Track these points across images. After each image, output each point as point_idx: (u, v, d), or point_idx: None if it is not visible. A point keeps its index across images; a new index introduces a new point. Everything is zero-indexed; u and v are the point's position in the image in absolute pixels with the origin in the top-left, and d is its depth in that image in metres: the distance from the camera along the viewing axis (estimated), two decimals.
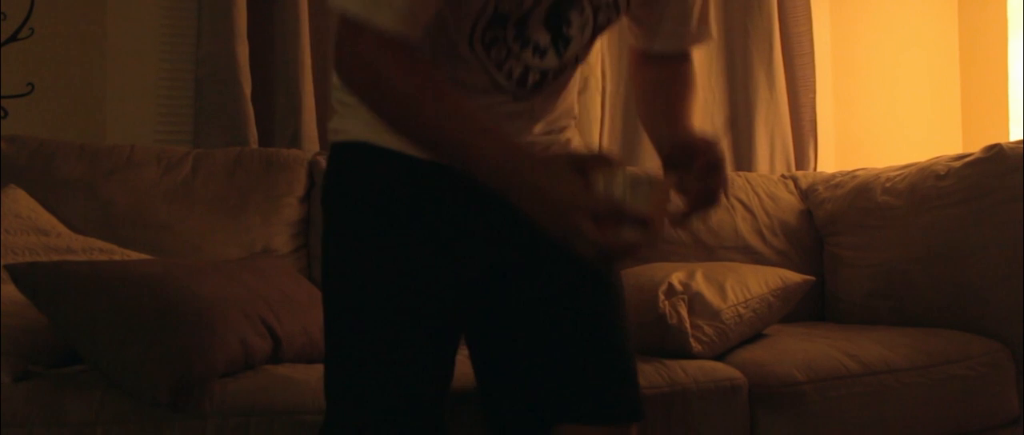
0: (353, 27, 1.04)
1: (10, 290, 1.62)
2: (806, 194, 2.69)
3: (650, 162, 2.73)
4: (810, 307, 2.49)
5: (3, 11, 2.13)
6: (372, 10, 1.03)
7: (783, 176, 2.77)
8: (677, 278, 1.87)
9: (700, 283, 1.89)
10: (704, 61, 2.86)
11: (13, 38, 2.14)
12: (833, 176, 2.70)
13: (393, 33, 1.03)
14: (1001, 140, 2.29)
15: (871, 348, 1.91)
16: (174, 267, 1.59)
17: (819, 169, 2.96)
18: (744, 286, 1.95)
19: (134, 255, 1.83)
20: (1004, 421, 2.01)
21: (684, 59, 1.39)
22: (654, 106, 1.33)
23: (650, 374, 1.64)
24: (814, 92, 2.96)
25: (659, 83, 1.35)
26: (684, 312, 1.81)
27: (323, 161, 2.20)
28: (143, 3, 2.36)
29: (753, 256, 2.45)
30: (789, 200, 2.65)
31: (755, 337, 2.00)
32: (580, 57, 1.28)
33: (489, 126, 1.04)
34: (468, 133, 1.03)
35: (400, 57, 1.04)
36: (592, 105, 2.60)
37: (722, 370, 1.74)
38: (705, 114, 2.86)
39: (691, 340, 1.79)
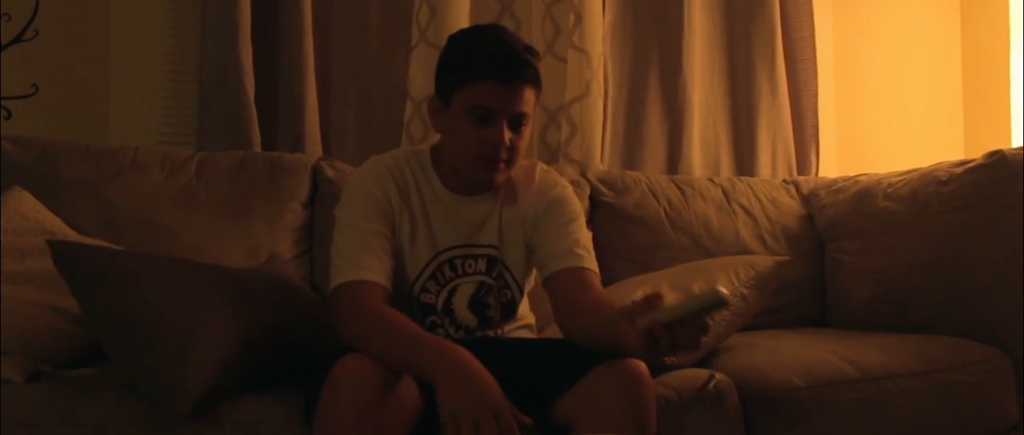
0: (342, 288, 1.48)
1: (16, 290, 1.63)
2: (808, 199, 2.69)
3: (651, 168, 2.74)
4: (810, 312, 2.50)
5: (7, 12, 2.13)
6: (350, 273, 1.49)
7: (785, 181, 2.77)
8: (642, 294, 1.85)
9: (666, 293, 1.86)
10: (707, 65, 2.86)
11: (17, 39, 2.14)
12: (835, 181, 2.70)
13: (371, 281, 1.48)
14: (1003, 146, 2.29)
15: (870, 354, 1.92)
16: (210, 272, 1.59)
17: (821, 174, 2.96)
18: (713, 285, 1.92)
19: None
20: (1004, 428, 2.01)
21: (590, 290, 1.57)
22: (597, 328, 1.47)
23: None
24: (816, 97, 2.96)
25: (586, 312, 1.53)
26: None
27: (326, 167, 2.21)
28: (147, 5, 2.36)
29: None
30: (791, 205, 2.65)
31: (754, 343, 2.00)
32: (499, 328, 1.67)
33: (421, 338, 1.38)
34: (408, 346, 1.37)
35: (369, 301, 1.45)
36: (594, 110, 2.60)
37: (703, 375, 1.72)
38: (707, 119, 2.86)
39: None
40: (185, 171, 2.09)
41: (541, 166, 1.73)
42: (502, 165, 1.56)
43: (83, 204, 1.95)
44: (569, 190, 1.71)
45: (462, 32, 1.66)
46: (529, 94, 1.55)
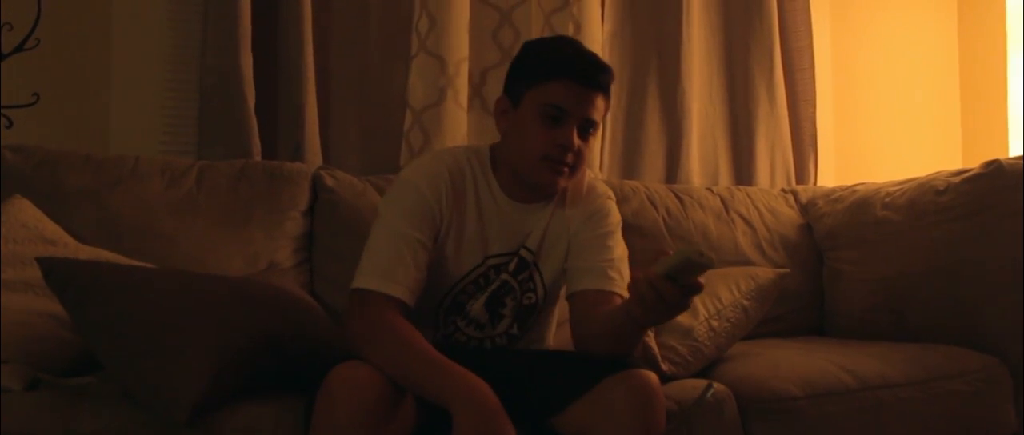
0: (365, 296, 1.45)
1: (16, 298, 1.63)
2: (806, 208, 2.69)
3: (649, 176, 2.74)
4: (809, 322, 2.50)
5: (9, 21, 2.14)
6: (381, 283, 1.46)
7: (783, 190, 2.78)
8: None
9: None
10: (705, 74, 2.87)
11: (19, 48, 2.14)
12: (833, 190, 2.71)
13: (396, 297, 1.45)
14: (1000, 156, 2.30)
15: (868, 363, 1.92)
16: (203, 282, 1.59)
17: (819, 183, 2.97)
18: (714, 296, 1.93)
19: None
20: None
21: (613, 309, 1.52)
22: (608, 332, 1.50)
23: None
24: (814, 106, 2.97)
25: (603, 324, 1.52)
26: (649, 339, 1.81)
27: (326, 175, 2.21)
28: (148, 14, 2.37)
29: None
30: (789, 214, 2.65)
31: (752, 352, 2.00)
32: (512, 332, 1.66)
33: (439, 364, 1.35)
34: (425, 370, 1.35)
35: (390, 316, 1.43)
36: None
37: (702, 385, 1.71)
38: (706, 128, 2.87)
39: (661, 364, 1.79)
40: (185, 180, 2.09)
41: (590, 174, 1.72)
42: (566, 170, 1.54)
43: (83, 213, 1.95)
44: (613, 202, 1.70)
45: (540, 39, 1.73)
46: (600, 102, 1.55)
